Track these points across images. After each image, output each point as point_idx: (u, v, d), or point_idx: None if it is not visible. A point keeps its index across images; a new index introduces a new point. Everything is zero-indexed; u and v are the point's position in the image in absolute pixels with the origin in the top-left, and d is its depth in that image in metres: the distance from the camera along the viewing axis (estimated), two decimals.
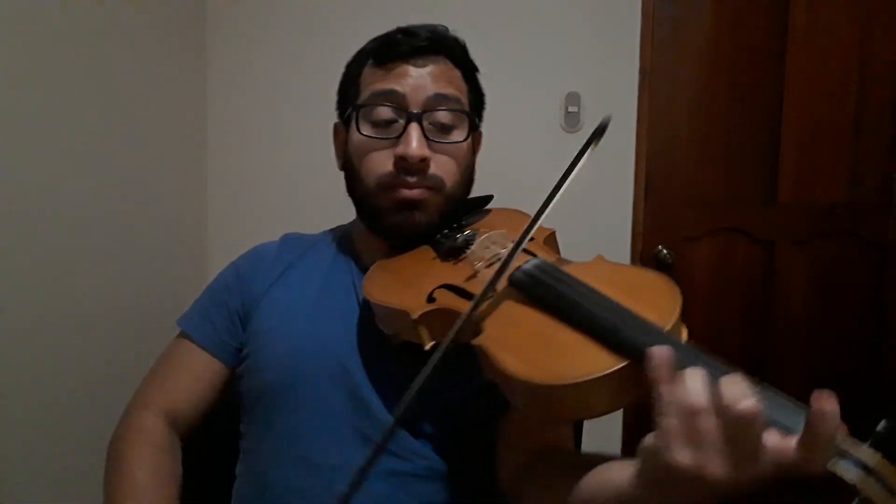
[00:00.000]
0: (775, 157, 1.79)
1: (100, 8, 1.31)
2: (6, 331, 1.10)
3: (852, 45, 1.76)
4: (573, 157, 0.63)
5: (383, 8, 1.68)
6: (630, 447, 2.04)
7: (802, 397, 0.42)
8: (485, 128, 0.86)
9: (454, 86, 0.76)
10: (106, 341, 1.33)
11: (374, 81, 0.74)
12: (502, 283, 0.59)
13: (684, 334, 0.50)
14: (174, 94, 1.63)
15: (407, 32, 0.75)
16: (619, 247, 1.76)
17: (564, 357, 0.48)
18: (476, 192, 0.84)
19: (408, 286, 0.66)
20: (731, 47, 1.78)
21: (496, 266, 0.59)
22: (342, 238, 0.87)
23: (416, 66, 0.73)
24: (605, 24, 1.73)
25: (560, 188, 0.61)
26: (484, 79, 0.83)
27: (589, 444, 1.65)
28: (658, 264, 1.80)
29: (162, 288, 1.52)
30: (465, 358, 0.54)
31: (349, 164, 0.78)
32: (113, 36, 1.36)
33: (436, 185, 0.73)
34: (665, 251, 1.80)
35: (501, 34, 1.72)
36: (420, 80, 0.73)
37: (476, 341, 0.54)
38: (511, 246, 0.60)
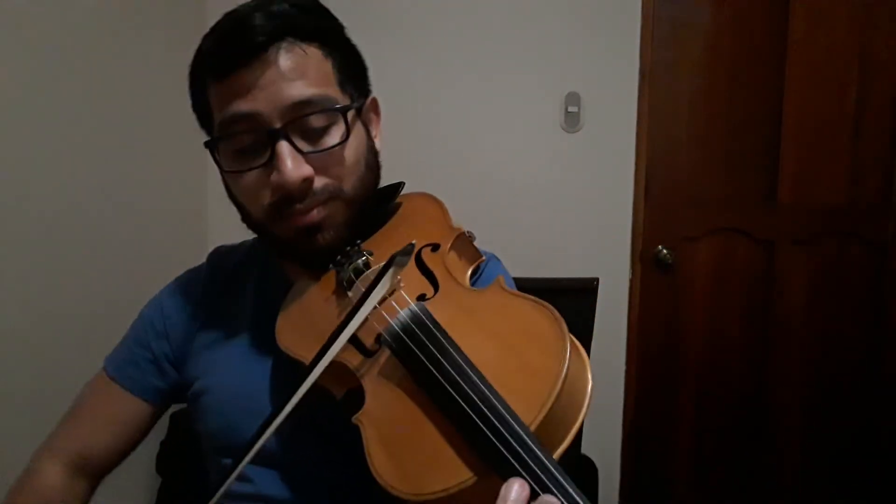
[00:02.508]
0: (775, 157, 1.79)
1: (101, 9, 1.31)
2: (6, 330, 1.10)
3: (852, 45, 1.76)
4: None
5: (382, 9, 1.68)
6: (630, 448, 2.03)
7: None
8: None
9: (313, 78, 0.61)
10: (105, 341, 1.32)
11: (220, 103, 0.61)
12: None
13: (585, 393, 0.46)
14: (174, 94, 1.62)
15: (240, 26, 0.59)
16: (619, 247, 1.76)
17: (431, 462, 0.46)
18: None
19: (312, 327, 0.60)
20: (731, 47, 1.78)
21: (386, 301, 0.56)
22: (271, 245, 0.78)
23: (261, 68, 0.59)
24: (605, 24, 1.73)
25: (352, 317, 0.55)
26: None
27: (589, 445, 1.65)
28: (658, 264, 1.80)
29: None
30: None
31: (230, 195, 0.67)
32: (114, 36, 1.36)
33: (331, 195, 0.62)
34: (665, 251, 1.79)
35: (501, 34, 1.72)
36: (272, 87, 0.59)
37: (356, 417, 0.50)
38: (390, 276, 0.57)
